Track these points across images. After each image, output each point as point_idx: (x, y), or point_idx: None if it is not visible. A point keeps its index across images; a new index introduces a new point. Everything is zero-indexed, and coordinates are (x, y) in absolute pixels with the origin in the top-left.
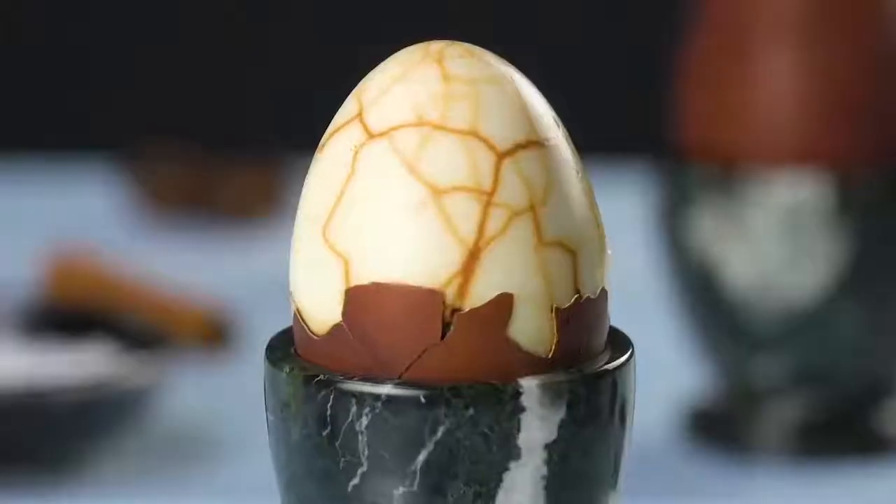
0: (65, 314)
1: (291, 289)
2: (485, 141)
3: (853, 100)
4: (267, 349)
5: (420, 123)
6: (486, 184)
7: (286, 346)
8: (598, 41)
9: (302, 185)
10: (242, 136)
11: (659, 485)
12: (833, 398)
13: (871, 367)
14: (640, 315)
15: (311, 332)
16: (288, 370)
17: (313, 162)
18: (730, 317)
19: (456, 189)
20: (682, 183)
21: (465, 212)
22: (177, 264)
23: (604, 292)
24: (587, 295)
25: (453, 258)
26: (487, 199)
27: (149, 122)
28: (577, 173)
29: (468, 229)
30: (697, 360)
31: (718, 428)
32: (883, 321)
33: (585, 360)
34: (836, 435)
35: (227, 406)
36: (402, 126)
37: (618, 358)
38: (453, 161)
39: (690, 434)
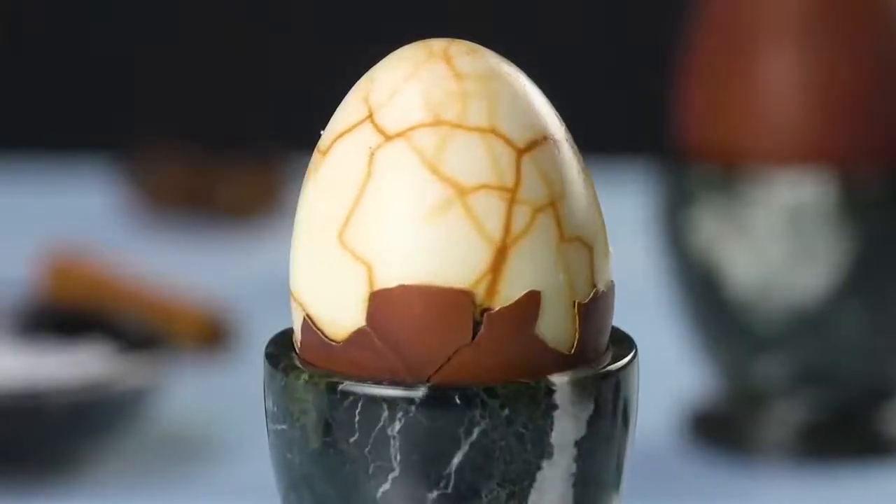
0: (62, 314)
1: (297, 294)
2: (503, 138)
3: (855, 99)
4: (269, 358)
5: (437, 123)
6: (509, 181)
7: (287, 353)
8: (598, 40)
9: (301, 186)
10: (241, 136)
11: (660, 486)
12: (836, 399)
13: (875, 368)
14: (642, 315)
15: (328, 338)
16: (307, 378)
17: (315, 166)
18: (731, 317)
19: (480, 187)
20: (683, 183)
21: (491, 210)
22: (175, 264)
23: (612, 285)
24: (602, 289)
25: (482, 257)
26: (511, 197)
27: (148, 122)
28: (582, 169)
29: (495, 227)
30: (699, 361)
31: (720, 429)
32: (886, 321)
33: (599, 355)
34: (839, 436)
35: (225, 407)
36: (419, 126)
37: (622, 354)
38: (475, 159)
39: (692, 435)
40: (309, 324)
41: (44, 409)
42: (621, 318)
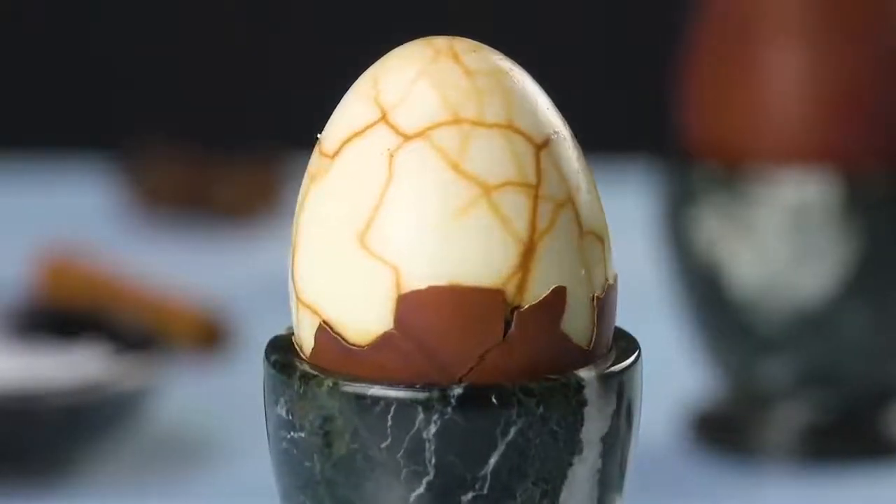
0: (58, 315)
1: (308, 300)
2: (522, 134)
3: (859, 98)
4: (278, 366)
5: (457, 121)
6: (532, 177)
7: (292, 359)
8: (600, 39)
9: (301, 188)
10: (241, 136)
11: (663, 487)
12: (840, 400)
13: (879, 369)
14: (644, 316)
15: (349, 343)
16: (330, 385)
17: (322, 169)
18: (735, 318)
19: (505, 184)
20: (686, 182)
21: (517, 207)
22: (173, 264)
23: (616, 278)
24: (611, 282)
25: (511, 255)
26: (535, 193)
27: (147, 122)
28: (585, 164)
29: (522, 225)
30: (702, 362)
31: (723, 430)
32: (890, 321)
33: (608, 350)
34: (844, 437)
35: (222, 408)
36: (438, 125)
37: (628, 349)
38: (497, 156)
39: (695, 437)
40: (326, 329)
41: (41, 410)
42: (624, 317)
